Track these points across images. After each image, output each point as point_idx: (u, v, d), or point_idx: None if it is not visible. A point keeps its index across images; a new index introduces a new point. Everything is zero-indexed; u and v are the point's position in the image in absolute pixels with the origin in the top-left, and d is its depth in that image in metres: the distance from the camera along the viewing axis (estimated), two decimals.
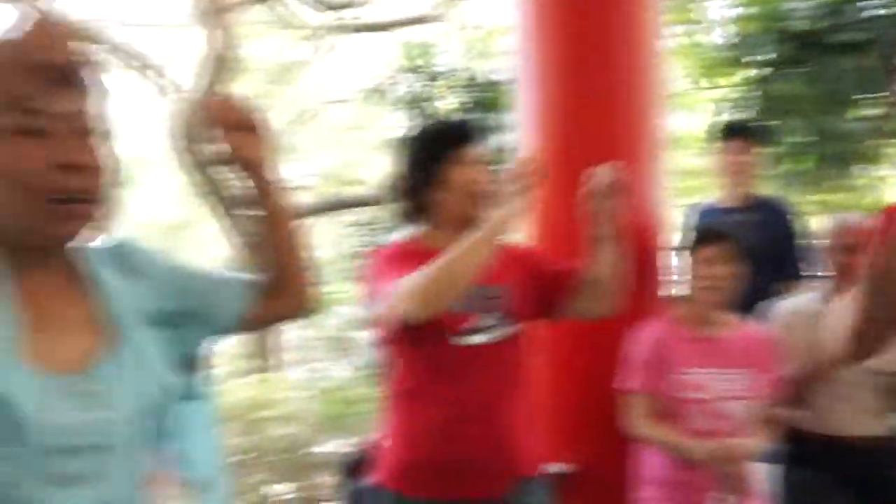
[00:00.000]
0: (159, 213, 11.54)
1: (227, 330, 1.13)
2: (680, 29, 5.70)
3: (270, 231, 1.11)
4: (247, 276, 1.15)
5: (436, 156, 1.79)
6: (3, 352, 0.87)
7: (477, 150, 1.83)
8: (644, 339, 2.25)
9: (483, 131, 1.89)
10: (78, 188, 0.90)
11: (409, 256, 1.72)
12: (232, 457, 5.01)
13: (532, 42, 2.54)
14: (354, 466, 2.72)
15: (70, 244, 0.96)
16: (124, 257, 1.04)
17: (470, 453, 1.74)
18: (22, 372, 0.87)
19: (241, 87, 8.84)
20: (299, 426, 5.19)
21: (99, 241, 1.04)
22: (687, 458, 2.13)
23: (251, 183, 1.09)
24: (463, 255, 1.60)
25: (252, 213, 1.11)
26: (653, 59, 2.53)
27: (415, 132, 1.94)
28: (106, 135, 0.95)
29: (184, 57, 8.29)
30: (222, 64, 7.04)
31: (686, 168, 5.83)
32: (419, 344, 1.72)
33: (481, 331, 1.75)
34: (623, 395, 2.23)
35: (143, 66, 7.61)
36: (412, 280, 1.60)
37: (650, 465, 2.25)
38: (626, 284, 1.98)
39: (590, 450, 2.30)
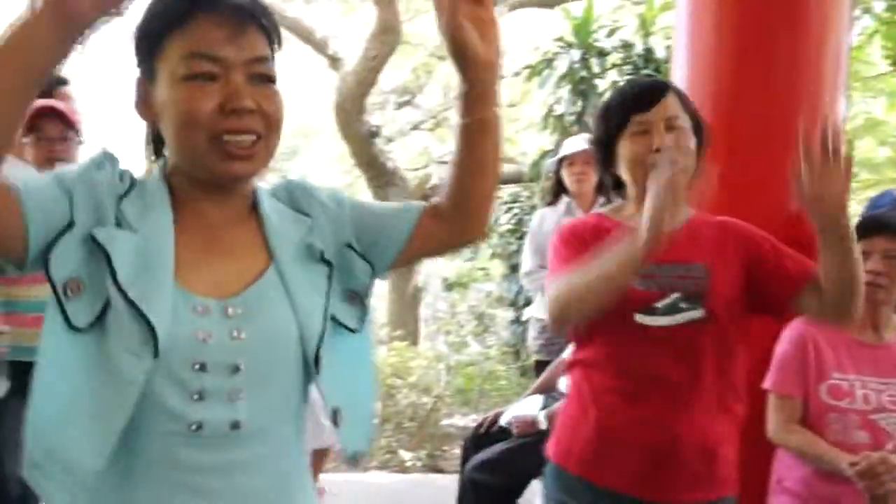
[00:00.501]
0: (323, 181, 12.12)
1: (393, 257, 1.10)
2: (881, 6, 5.17)
3: (478, 140, 1.05)
4: (416, 201, 1.14)
5: (608, 128, 1.66)
6: (158, 270, 0.93)
7: (644, 117, 1.60)
8: (793, 337, 2.05)
9: (654, 94, 1.62)
10: (241, 129, 0.94)
11: (593, 232, 1.62)
12: None
13: (696, 17, 2.38)
14: (478, 441, 2.76)
15: (240, 181, 1.00)
16: (292, 195, 1.08)
17: (640, 447, 1.56)
18: (169, 289, 0.93)
19: (403, 62, 9.06)
20: (432, 397, 5.28)
21: (271, 181, 1.09)
22: (833, 471, 1.93)
23: (470, 84, 1.03)
24: (604, 270, 1.45)
25: (465, 119, 1.04)
26: (832, 39, 2.29)
27: (603, 103, 1.82)
28: (274, 81, 0.98)
29: (351, 30, 8.61)
30: (387, 38, 7.23)
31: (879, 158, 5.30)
32: (614, 318, 1.56)
33: (663, 312, 1.55)
34: (770, 396, 2.06)
35: (313, 39, 7.95)
36: (558, 283, 1.54)
37: (789, 476, 2.06)
38: (857, 287, 1.56)
39: None
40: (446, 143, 9.99)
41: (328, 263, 1.04)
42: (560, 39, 5.73)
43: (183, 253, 0.96)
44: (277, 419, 1.00)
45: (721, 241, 1.60)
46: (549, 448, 1.70)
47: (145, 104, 0.99)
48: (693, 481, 1.56)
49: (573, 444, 1.63)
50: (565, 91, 5.66)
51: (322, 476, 2.22)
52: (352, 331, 1.05)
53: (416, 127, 9.99)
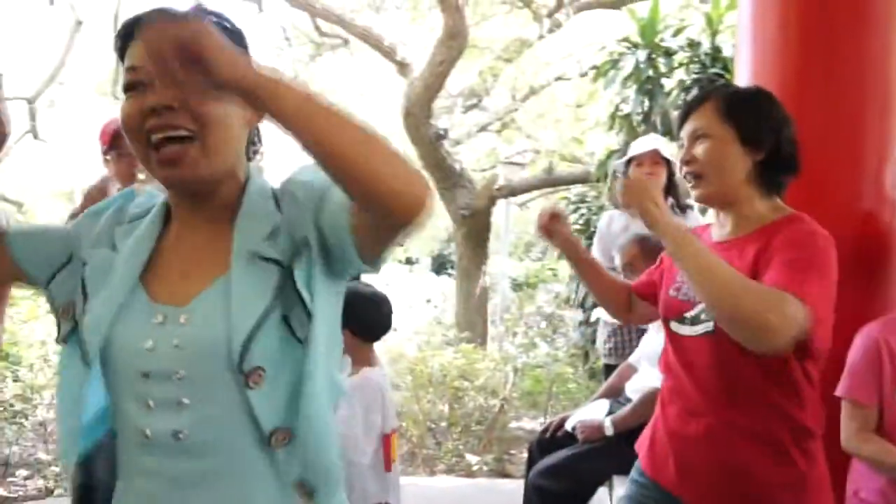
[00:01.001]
0: None
1: (350, 252, 0.97)
2: None
3: (295, 133, 0.87)
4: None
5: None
6: (118, 282, 1.00)
7: (681, 132, 1.64)
8: (865, 344, 2.00)
9: (689, 109, 1.63)
10: (163, 126, 0.96)
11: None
12: (433, 422, 5.27)
13: (760, 15, 2.34)
14: (544, 445, 2.76)
15: (183, 186, 1.01)
16: (283, 190, 1.05)
17: (673, 445, 1.64)
18: (117, 301, 0.98)
19: (470, 65, 9.11)
20: (499, 400, 5.29)
21: (274, 177, 1.08)
22: None
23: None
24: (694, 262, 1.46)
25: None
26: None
27: None
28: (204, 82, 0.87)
29: (419, 37, 8.70)
30: (454, 43, 7.29)
31: None
32: (663, 323, 1.71)
33: (690, 322, 1.60)
34: (843, 404, 2.01)
35: (382, 47, 8.08)
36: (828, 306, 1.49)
37: (866, 486, 2.01)
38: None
39: None
40: (513, 144, 9.99)
41: (278, 263, 0.98)
42: (626, 40, 5.67)
43: (160, 264, 1.02)
44: (228, 433, 0.97)
45: (764, 247, 1.52)
46: None
47: None
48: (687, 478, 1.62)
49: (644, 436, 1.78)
50: (632, 91, 5.61)
51: None
52: (298, 340, 0.96)
53: (482, 129, 10.02)
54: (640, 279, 1.90)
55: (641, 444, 1.78)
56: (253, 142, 1.09)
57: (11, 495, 3.92)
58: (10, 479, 4.12)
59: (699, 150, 1.57)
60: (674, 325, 1.64)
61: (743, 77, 2.38)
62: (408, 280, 15.02)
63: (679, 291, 1.64)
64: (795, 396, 1.54)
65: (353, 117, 0.89)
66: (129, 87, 0.98)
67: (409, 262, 19.02)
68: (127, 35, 1.00)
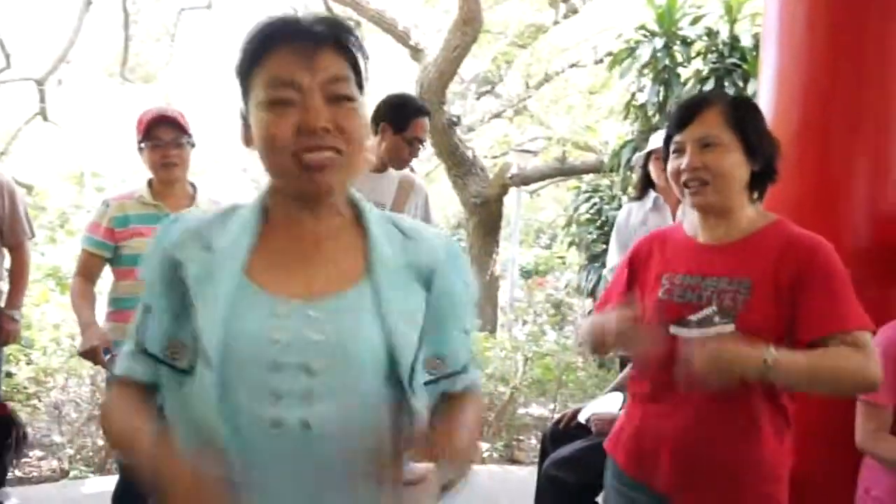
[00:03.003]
0: None
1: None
2: None
3: None
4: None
5: (665, 145, 1.70)
6: (222, 275, 0.99)
7: (680, 136, 1.62)
8: (882, 343, 1.97)
9: (690, 113, 1.61)
10: (317, 147, 0.98)
11: None
12: None
13: (787, 5, 2.31)
14: (557, 436, 2.76)
15: (325, 192, 1.02)
16: (397, 223, 1.10)
17: (666, 448, 1.62)
18: (242, 286, 0.98)
19: (483, 51, 9.05)
20: (509, 387, 5.30)
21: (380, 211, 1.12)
22: None
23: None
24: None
25: None
26: None
27: None
28: (352, 99, 1.01)
29: (433, 21, 8.65)
30: (469, 28, 7.24)
31: None
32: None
33: (696, 324, 1.58)
34: (858, 404, 2.00)
35: (395, 30, 8.03)
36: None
37: (877, 485, 2.01)
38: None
39: (817, 459, 2.09)
40: (525, 131, 9.95)
41: (427, 287, 1.04)
42: (643, 27, 5.61)
43: (264, 260, 1.02)
44: (356, 427, 0.99)
45: (781, 257, 1.56)
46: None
47: (246, 136, 1.06)
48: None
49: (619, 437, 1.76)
50: (647, 80, 5.56)
51: None
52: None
53: (495, 116, 9.98)
54: (609, 306, 1.76)
55: (616, 445, 1.75)
56: None
57: (26, 476, 3.96)
58: (24, 461, 4.16)
59: (709, 158, 1.57)
60: (674, 329, 1.60)
61: (768, 69, 2.35)
62: None
63: (673, 294, 1.62)
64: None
65: None
66: (275, 102, 0.98)
67: None
68: (269, 40, 1.00)
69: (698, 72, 5.36)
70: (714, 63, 5.25)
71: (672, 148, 1.64)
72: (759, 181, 1.63)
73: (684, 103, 1.68)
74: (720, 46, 5.23)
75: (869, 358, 1.51)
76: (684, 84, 5.45)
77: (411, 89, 7.74)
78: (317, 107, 0.98)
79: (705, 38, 5.37)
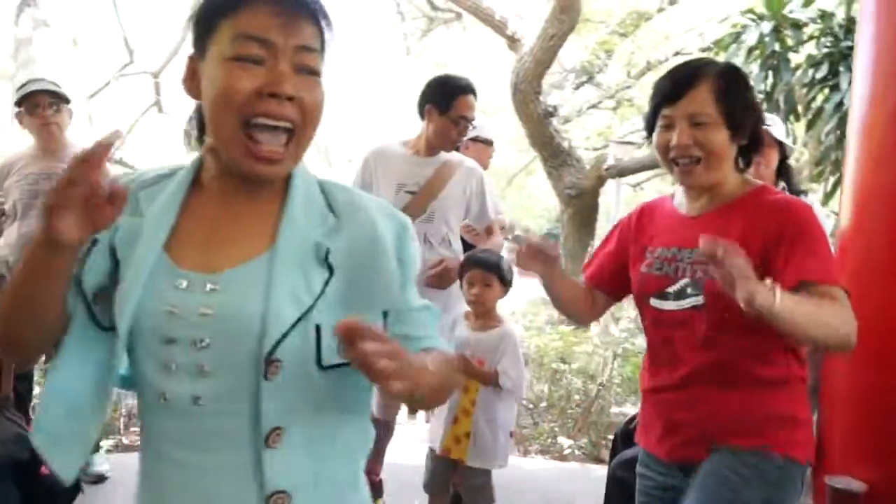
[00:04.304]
0: (499, 160, 12.19)
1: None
2: None
3: None
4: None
5: (647, 120, 1.70)
6: (145, 247, 0.97)
7: (669, 111, 1.58)
8: None
9: (681, 87, 1.57)
10: (275, 115, 0.94)
11: None
12: (531, 402, 5.21)
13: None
14: (628, 436, 2.64)
15: (266, 182, 0.99)
16: (332, 196, 1.04)
17: (664, 417, 1.69)
18: (148, 265, 0.96)
19: (584, 40, 8.84)
20: (596, 384, 5.17)
21: (316, 177, 1.06)
22: None
23: None
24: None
25: None
26: None
27: None
28: (318, 73, 0.98)
29: (531, 10, 8.53)
30: (566, 16, 7.08)
31: None
32: (637, 301, 1.73)
33: (673, 297, 1.61)
34: None
35: (492, 21, 7.96)
36: None
37: None
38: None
39: (887, 468, 1.91)
40: (628, 122, 9.66)
41: (330, 269, 0.98)
42: (750, 11, 5.31)
43: (185, 230, 0.99)
44: (233, 413, 0.96)
45: (751, 224, 1.54)
46: None
47: (192, 81, 1.00)
48: (686, 442, 1.64)
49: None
50: (755, 66, 5.26)
51: None
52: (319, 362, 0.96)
53: (594, 106, 9.74)
54: (590, 269, 1.87)
55: (639, 434, 1.81)
56: None
57: (121, 444, 4.18)
58: (120, 430, 4.40)
59: (700, 135, 1.55)
60: (654, 302, 1.65)
61: (864, 55, 2.15)
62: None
63: (653, 267, 1.65)
64: (782, 354, 1.58)
65: None
66: (241, 58, 0.94)
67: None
68: None
69: (811, 56, 5.03)
70: (828, 47, 4.92)
71: (660, 123, 1.60)
72: (746, 151, 1.62)
73: (674, 75, 1.63)
74: (835, 29, 4.89)
75: (851, 319, 1.45)
76: (794, 70, 5.13)
77: (507, 80, 7.66)
78: (285, 71, 0.94)
79: (818, 20, 5.03)
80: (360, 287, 0.99)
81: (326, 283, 0.97)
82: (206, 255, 0.99)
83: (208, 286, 0.96)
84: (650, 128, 1.64)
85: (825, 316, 1.43)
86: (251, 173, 0.97)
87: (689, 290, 1.58)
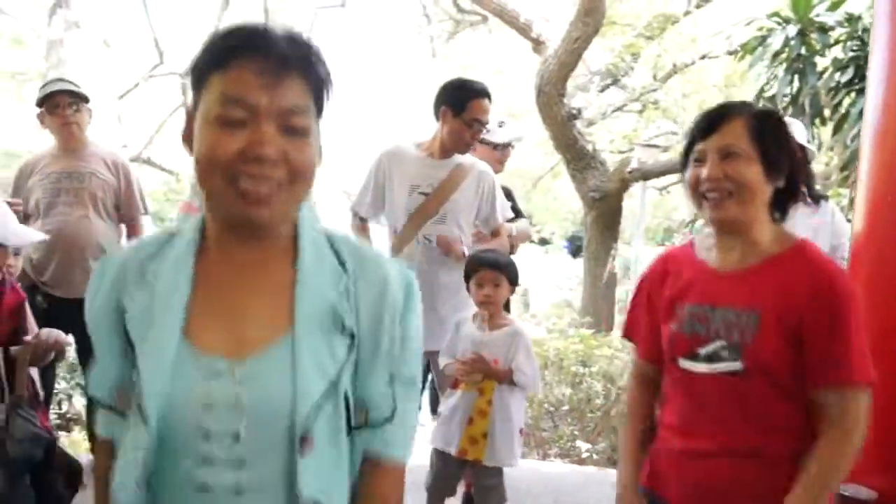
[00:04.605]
0: (525, 162, 12.17)
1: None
2: None
3: None
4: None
5: (682, 156, 1.67)
6: (171, 330, 0.95)
7: (701, 146, 1.55)
8: None
9: (713, 121, 1.55)
10: (258, 175, 0.92)
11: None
12: (552, 406, 5.19)
13: None
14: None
15: (259, 226, 0.97)
16: (338, 249, 1.04)
17: (692, 480, 1.58)
18: (181, 348, 0.95)
19: (610, 43, 8.80)
20: (616, 388, 5.13)
21: (324, 230, 1.05)
22: None
23: None
24: None
25: None
26: None
27: None
28: (307, 133, 0.95)
29: (556, 13, 8.50)
30: (590, 19, 7.06)
31: None
32: (665, 358, 1.63)
33: (704, 358, 1.53)
34: None
35: (517, 23, 7.96)
36: None
37: None
38: None
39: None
40: (654, 126, 9.59)
41: (351, 335, 0.98)
42: (776, 14, 5.27)
43: (200, 308, 0.97)
44: (271, 495, 0.97)
45: (791, 288, 1.47)
46: None
47: (187, 134, 0.99)
48: None
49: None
50: (781, 70, 5.21)
51: None
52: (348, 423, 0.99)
53: (619, 108, 9.69)
54: (639, 343, 1.74)
55: (649, 478, 1.69)
56: None
57: None
58: None
59: (730, 168, 1.50)
60: (684, 363, 1.56)
61: (877, 62, 2.12)
62: (542, 262, 14.87)
63: (683, 326, 1.57)
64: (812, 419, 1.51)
65: None
66: (226, 121, 0.92)
67: (543, 242, 18.82)
68: (232, 50, 0.93)
69: (837, 60, 4.97)
70: (855, 51, 4.86)
71: (693, 157, 1.56)
72: (782, 200, 1.55)
73: (709, 112, 1.59)
74: (861, 33, 4.83)
75: (847, 439, 1.45)
76: (820, 75, 5.08)
77: (532, 82, 7.66)
78: (268, 133, 0.92)
79: (845, 24, 4.97)
80: (367, 348, 1.01)
81: (349, 350, 0.99)
82: (227, 334, 0.98)
83: (237, 373, 0.95)
84: (684, 164, 1.60)
85: (834, 473, 1.46)
86: (244, 217, 0.95)
87: (723, 354, 1.51)
